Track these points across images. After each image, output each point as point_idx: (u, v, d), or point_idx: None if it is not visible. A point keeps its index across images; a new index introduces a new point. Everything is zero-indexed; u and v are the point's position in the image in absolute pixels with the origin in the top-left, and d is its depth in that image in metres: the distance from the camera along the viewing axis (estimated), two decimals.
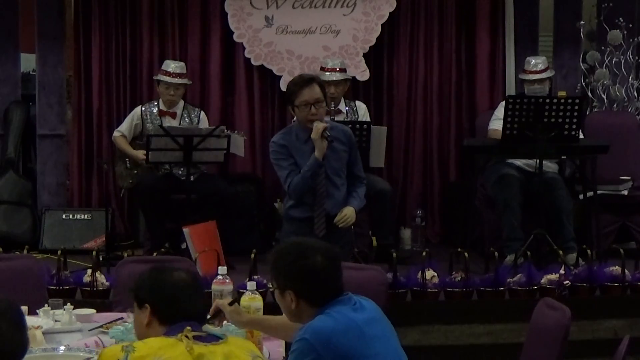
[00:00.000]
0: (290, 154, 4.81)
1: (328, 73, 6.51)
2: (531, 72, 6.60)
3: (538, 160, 5.90)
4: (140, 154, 6.46)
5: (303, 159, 4.79)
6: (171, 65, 6.62)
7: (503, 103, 6.63)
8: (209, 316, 3.21)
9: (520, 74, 6.84)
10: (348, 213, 4.85)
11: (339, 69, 6.59)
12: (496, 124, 6.54)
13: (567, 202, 6.28)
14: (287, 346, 3.36)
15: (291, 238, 3.18)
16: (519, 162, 6.40)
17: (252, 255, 5.41)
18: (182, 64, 6.76)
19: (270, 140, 4.99)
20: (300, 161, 4.80)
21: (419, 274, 5.45)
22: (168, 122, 6.55)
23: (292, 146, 4.81)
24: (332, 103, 6.51)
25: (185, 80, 6.66)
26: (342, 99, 6.65)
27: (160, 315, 2.69)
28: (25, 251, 5.43)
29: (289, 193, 4.87)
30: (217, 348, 2.62)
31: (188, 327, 2.60)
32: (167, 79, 6.55)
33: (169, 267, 2.85)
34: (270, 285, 3.04)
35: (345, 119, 6.45)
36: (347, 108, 6.63)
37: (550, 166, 6.30)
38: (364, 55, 7.20)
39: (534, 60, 6.66)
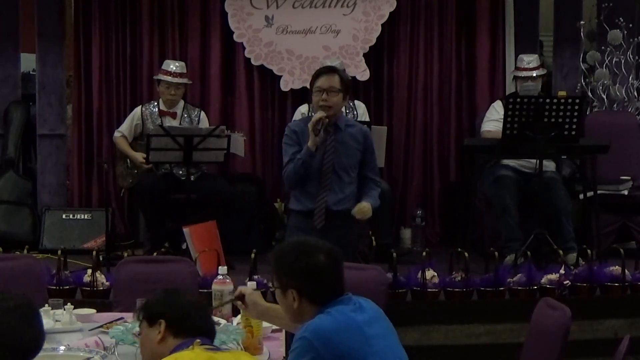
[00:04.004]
0: (298, 140, 4.80)
1: None
2: (525, 69, 6.62)
3: (538, 160, 5.90)
4: (139, 156, 6.47)
5: None
6: (171, 65, 6.62)
7: (494, 104, 6.67)
8: (232, 297, 3.33)
9: (513, 72, 6.85)
10: (364, 206, 4.78)
11: None
12: (488, 125, 6.55)
13: (566, 202, 6.28)
14: (287, 346, 3.37)
15: (293, 238, 3.17)
16: (514, 164, 6.41)
17: (252, 255, 5.41)
18: (182, 63, 6.77)
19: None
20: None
21: (419, 274, 5.45)
22: (168, 122, 6.55)
23: (302, 133, 4.80)
24: None
25: (185, 80, 6.67)
26: None
27: (175, 329, 2.75)
28: (25, 251, 5.43)
29: (284, 180, 4.90)
30: (226, 354, 2.69)
31: (197, 340, 2.65)
32: (168, 78, 6.55)
33: (181, 290, 2.94)
34: (271, 285, 3.03)
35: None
36: (345, 107, 6.62)
37: (547, 165, 6.29)
38: (364, 55, 7.21)
39: (526, 58, 6.68)
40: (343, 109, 6.57)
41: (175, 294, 2.87)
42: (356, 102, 6.76)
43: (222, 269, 3.78)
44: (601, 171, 6.36)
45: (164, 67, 6.66)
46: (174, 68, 6.60)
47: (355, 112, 6.63)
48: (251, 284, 3.59)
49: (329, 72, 4.80)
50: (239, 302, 3.34)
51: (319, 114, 4.71)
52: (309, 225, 4.74)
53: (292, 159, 4.77)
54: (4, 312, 2.34)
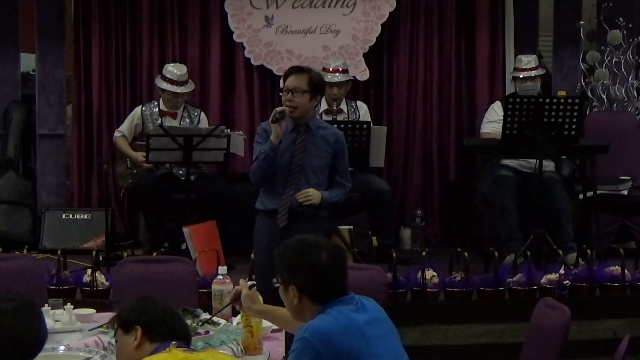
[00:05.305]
0: (267, 138, 4.70)
1: (331, 74, 6.50)
2: (523, 70, 6.62)
3: (538, 160, 5.90)
4: (139, 156, 6.46)
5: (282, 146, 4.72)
6: (175, 71, 6.55)
7: (494, 105, 6.67)
8: (229, 300, 3.35)
9: (512, 72, 6.85)
10: (312, 192, 4.67)
11: (342, 69, 6.60)
12: (487, 127, 6.56)
13: (566, 202, 6.28)
14: (287, 346, 3.37)
15: (297, 236, 3.16)
16: (514, 164, 6.41)
17: (252, 256, 5.40)
18: (184, 67, 6.69)
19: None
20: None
21: (419, 274, 5.46)
22: (168, 122, 6.55)
23: (271, 131, 4.71)
24: (335, 103, 6.53)
25: (191, 88, 6.65)
26: (344, 99, 6.66)
27: (151, 334, 2.80)
28: (25, 251, 5.44)
29: (250, 176, 4.84)
30: (201, 353, 2.74)
31: (174, 343, 2.70)
32: (174, 88, 6.50)
33: (154, 297, 2.99)
34: (275, 281, 3.03)
35: (347, 119, 6.46)
36: (348, 108, 6.64)
37: (547, 165, 6.29)
38: (364, 55, 7.20)
39: (525, 58, 6.68)
40: (345, 109, 6.62)
41: (149, 300, 2.92)
42: (358, 103, 6.78)
43: (222, 269, 3.78)
44: (601, 171, 6.37)
45: (168, 75, 6.56)
46: (179, 77, 6.54)
47: (357, 113, 6.65)
48: (251, 284, 3.59)
49: (297, 72, 4.71)
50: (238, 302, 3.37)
51: (282, 108, 4.66)
52: (273, 225, 4.68)
53: (259, 156, 4.73)
54: (7, 314, 2.38)
